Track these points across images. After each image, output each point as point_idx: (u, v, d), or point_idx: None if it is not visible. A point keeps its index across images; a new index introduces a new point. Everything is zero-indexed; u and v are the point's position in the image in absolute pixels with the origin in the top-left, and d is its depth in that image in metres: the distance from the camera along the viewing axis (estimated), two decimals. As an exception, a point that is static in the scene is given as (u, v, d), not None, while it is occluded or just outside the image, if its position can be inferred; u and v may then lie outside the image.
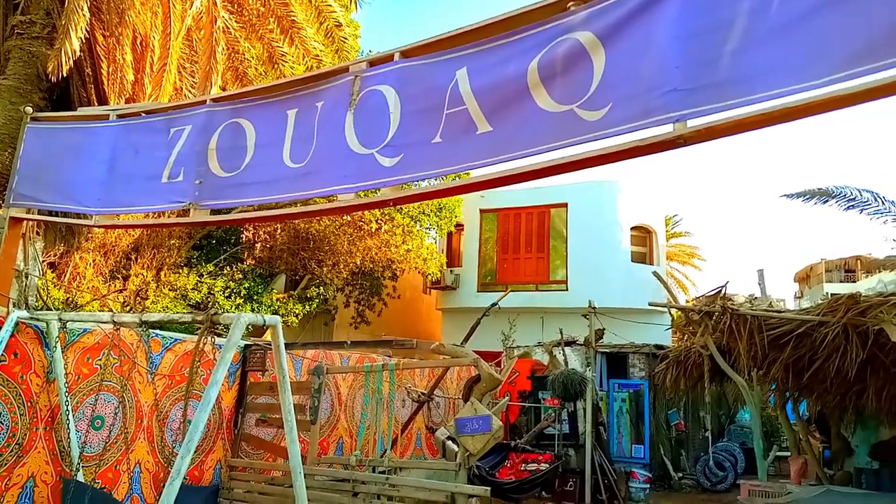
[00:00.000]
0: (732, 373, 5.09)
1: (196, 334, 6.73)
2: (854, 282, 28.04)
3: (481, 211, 19.29)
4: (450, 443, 7.36)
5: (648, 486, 11.10)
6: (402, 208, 15.51)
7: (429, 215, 16.46)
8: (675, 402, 12.99)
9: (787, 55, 2.51)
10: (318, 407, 6.39)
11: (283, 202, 4.27)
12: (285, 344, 5.50)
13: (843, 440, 8.50)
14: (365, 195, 3.79)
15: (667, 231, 22.92)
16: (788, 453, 11.25)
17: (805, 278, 35.02)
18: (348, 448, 8.05)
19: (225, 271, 14.31)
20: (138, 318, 4.50)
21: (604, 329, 12.07)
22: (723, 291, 4.85)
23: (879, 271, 20.55)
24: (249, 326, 4.10)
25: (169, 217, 5.47)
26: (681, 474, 12.77)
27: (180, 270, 13.73)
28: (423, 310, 21.04)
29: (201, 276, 13.76)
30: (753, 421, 5.40)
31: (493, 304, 10.31)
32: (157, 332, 6.47)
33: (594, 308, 12.02)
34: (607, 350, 13.37)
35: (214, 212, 4.69)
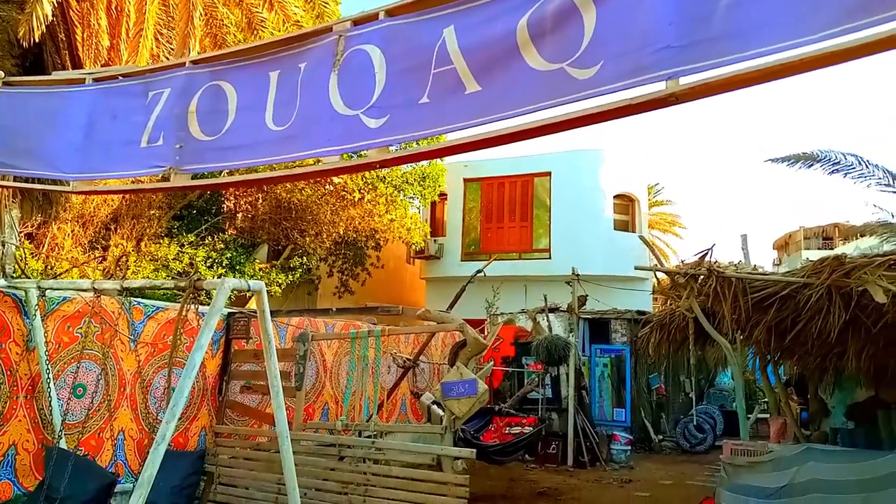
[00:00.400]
0: (717, 335, 5.15)
1: (178, 303, 6.66)
2: (831, 249, 28.47)
3: (465, 180, 19.20)
4: (435, 407, 7.40)
5: (630, 448, 11.32)
6: (385, 178, 15.39)
7: (412, 185, 16.36)
8: (656, 366, 13.20)
9: (782, 10, 2.47)
10: (303, 373, 6.38)
11: (265, 165, 4.19)
12: (272, 312, 5.44)
13: (821, 402, 8.68)
14: (350, 158, 3.72)
15: (649, 199, 23.02)
16: (766, 415, 11.50)
17: (784, 246, 35.45)
18: (334, 414, 8.08)
19: (206, 241, 14.16)
20: (119, 285, 4.43)
21: (586, 296, 12.18)
22: (709, 254, 4.88)
23: (856, 238, 20.82)
24: (233, 294, 4.08)
25: (149, 182, 5.36)
26: (661, 437, 13.03)
27: (161, 241, 13.57)
28: (406, 279, 21.04)
29: (182, 246, 13.61)
30: (736, 382, 5.48)
31: (479, 272, 10.33)
32: (139, 300, 6.40)
33: (577, 275, 12.10)
34: (590, 316, 13.50)
35: (196, 177, 4.59)
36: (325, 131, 3.72)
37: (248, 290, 3.85)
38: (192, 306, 4.30)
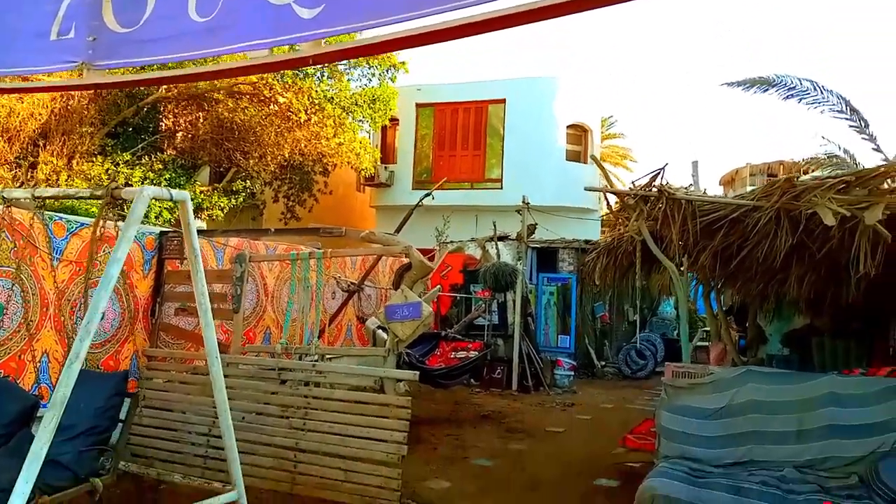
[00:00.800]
0: (664, 258, 5.09)
1: (105, 218, 6.24)
2: (775, 185, 28.96)
3: (417, 105, 18.68)
4: (380, 331, 7.29)
5: (573, 373, 11.54)
6: (333, 98, 14.79)
7: (362, 107, 15.79)
8: (601, 295, 13.39)
9: None
10: (240, 295, 6.12)
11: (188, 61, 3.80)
12: (208, 231, 5.10)
13: (759, 329, 8.93)
14: (281, 52, 3.37)
15: (602, 132, 22.93)
16: (705, 343, 11.83)
17: (730, 182, 36.04)
18: (275, 339, 7.88)
19: (143, 161, 13.50)
20: (31, 194, 4.03)
21: (536, 224, 12.12)
22: (660, 176, 4.75)
23: (800, 175, 21.31)
24: (173, 217, 3.76)
25: (60, 80, 4.88)
26: (604, 363, 13.35)
27: (94, 159, 12.86)
28: (356, 207, 20.65)
29: (117, 165, 12.94)
30: (681, 306, 5.50)
31: (428, 194, 10.13)
32: (62, 215, 5.97)
33: (527, 204, 11.99)
34: (538, 245, 13.52)
35: (112, 73, 4.15)
36: (253, 22, 3.34)
37: (170, 200, 3.53)
38: (113, 220, 3.95)
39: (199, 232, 8.43)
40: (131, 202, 3.41)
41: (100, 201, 3.69)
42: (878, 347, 7.45)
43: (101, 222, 3.75)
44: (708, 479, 4.06)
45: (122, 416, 4.29)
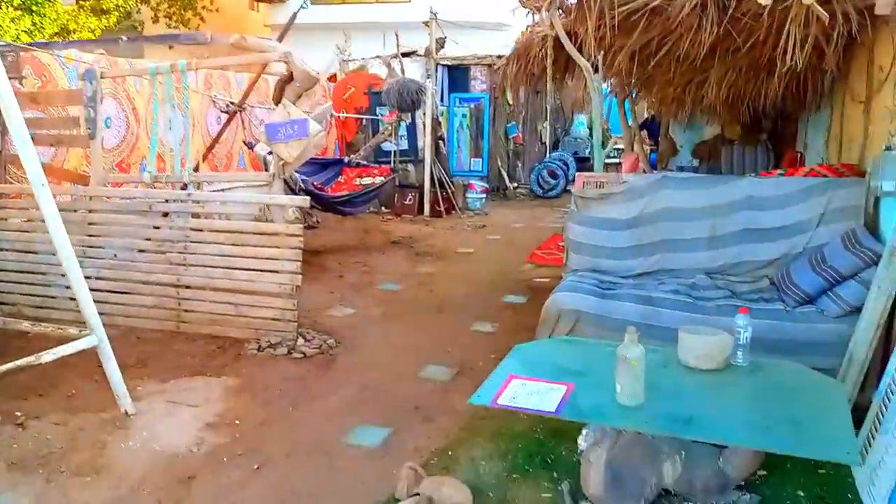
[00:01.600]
0: (577, 55, 4.55)
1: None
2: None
3: None
4: (271, 157, 6.60)
5: (485, 195, 11.29)
6: None
7: None
8: (514, 115, 12.89)
9: None
10: (95, 118, 5.22)
11: None
12: (50, 44, 4.08)
13: (670, 141, 8.77)
14: None
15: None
16: (614, 160, 11.72)
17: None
18: (155, 169, 7.07)
19: (-7, -25, 11.39)
20: None
21: (445, 38, 11.19)
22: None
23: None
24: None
25: None
26: (516, 184, 13.16)
27: (-71, -29, 10.75)
28: (250, 27, 18.53)
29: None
30: (593, 112, 5.04)
31: (312, -6, 8.93)
32: None
33: (435, 14, 10.97)
34: (449, 63, 12.64)
35: None
36: None
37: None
38: None
39: (40, 44, 7.16)
40: None
41: None
42: (786, 155, 7.39)
43: None
44: (617, 291, 3.85)
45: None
